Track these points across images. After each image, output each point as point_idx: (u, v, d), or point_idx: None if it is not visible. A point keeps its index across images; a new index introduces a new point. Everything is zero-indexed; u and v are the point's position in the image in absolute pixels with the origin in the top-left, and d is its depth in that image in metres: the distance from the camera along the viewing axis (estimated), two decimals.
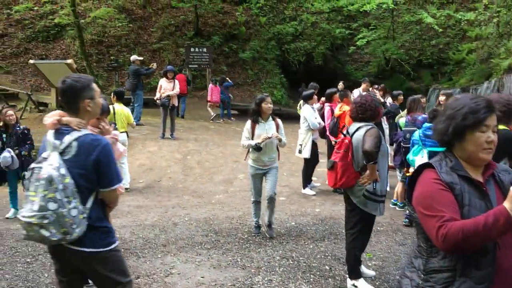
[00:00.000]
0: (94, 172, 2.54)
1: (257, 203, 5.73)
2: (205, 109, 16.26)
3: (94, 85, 2.71)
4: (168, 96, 11.59)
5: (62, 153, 2.52)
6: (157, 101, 11.75)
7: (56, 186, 2.40)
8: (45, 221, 2.38)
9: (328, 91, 8.45)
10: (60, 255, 2.65)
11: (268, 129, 5.54)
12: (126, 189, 8.60)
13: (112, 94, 8.76)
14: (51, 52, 20.62)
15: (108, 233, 2.70)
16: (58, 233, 2.41)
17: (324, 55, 21.67)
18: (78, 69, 13.18)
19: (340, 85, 11.84)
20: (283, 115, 16.81)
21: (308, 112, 7.68)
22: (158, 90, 11.80)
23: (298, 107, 9.12)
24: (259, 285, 4.15)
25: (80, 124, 2.61)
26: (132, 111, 13.01)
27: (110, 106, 8.34)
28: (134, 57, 13.40)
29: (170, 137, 11.66)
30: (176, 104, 11.90)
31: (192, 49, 18.52)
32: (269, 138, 5.42)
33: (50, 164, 2.44)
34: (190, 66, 18.36)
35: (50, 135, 2.60)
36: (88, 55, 18.78)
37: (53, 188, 2.39)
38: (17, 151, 6.84)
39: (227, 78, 16.03)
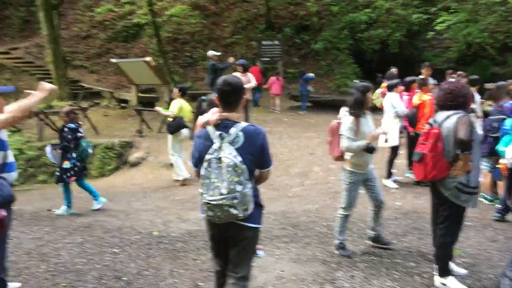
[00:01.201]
0: (259, 156, 2.97)
1: (347, 217, 4.83)
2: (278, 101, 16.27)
3: None
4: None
5: (231, 143, 2.88)
6: None
7: (240, 171, 2.82)
8: (235, 201, 2.81)
9: (407, 79, 8.10)
10: (221, 231, 3.04)
11: (370, 124, 4.73)
12: (177, 180, 9.06)
13: (176, 89, 9.11)
14: (131, 51, 21.56)
15: (262, 210, 3.14)
16: (242, 210, 2.86)
17: (400, 42, 20.82)
18: (156, 67, 13.64)
19: (393, 71, 10.34)
20: None
21: (395, 99, 7.42)
22: None
23: (374, 97, 8.80)
24: (341, 281, 4.06)
25: (239, 117, 3.03)
26: None
27: (176, 101, 8.87)
28: (210, 53, 13.62)
29: None
30: (250, 98, 11.93)
31: (264, 42, 18.55)
32: (384, 133, 4.96)
33: (230, 153, 2.84)
34: (262, 59, 18.41)
35: (211, 129, 2.99)
36: (165, 53, 19.41)
37: (238, 173, 2.81)
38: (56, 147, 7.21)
39: (310, 74, 15.94)
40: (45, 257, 5.07)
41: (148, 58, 13.44)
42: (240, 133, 2.93)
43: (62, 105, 15.62)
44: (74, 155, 7.08)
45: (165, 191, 8.42)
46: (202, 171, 2.91)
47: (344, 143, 4.57)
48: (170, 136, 8.99)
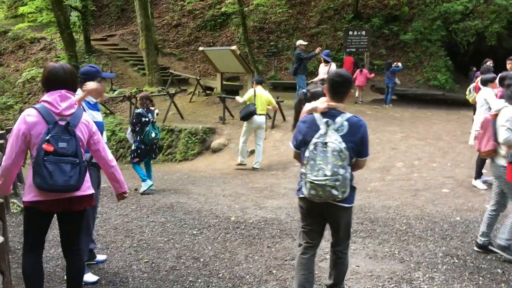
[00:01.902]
0: (359, 145, 3.22)
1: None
2: (361, 94, 15.89)
3: None
4: (322, 79, 11.62)
5: (336, 130, 3.14)
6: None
7: (344, 156, 3.07)
8: (337, 183, 3.06)
9: (502, 74, 7.52)
10: (317, 209, 3.32)
11: None
12: (255, 168, 9.18)
13: (252, 82, 9.70)
14: (218, 40, 22.08)
15: (355, 192, 3.38)
16: (341, 192, 3.10)
17: (499, 34, 19.39)
18: (240, 55, 13.86)
19: (489, 64, 9.43)
20: (448, 100, 15.64)
21: (490, 95, 6.94)
22: (318, 73, 12.18)
23: (467, 92, 8.28)
24: (419, 282, 3.90)
25: (344, 108, 3.27)
26: None
27: (251, 90, 9.29)
28: (299, 42, 13.60)
29: None
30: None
31: (350, 32, 18.15)
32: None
33: (336, 139, 3.09)
34: (348, 49, 18.02)
35: (318, 116, 3.24)
36: (250, 42, 19.66)
37: (342, 158, 3.07)
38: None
39: (399, 63, 15.38)
40: (130, 233, 5.38)
41: (233, 47, 13.68)
42: (345, 123, 3.17)
43: (152, 90, 16.43)
44: (138, 138, 7.51)
45: (244, 178, 8.57)
46: (307, 153, 3.17)
47: (505, 135, 4.27)
48: (244, 123, 9.36)
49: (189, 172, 9.87)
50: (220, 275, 4.17)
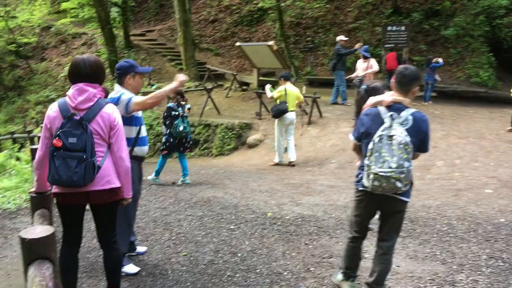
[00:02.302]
0: (422, 140, 3.27)
1: None
2: None
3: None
4: (361, 76, 11.51)
5: (401, 124, 3.20)
6: (354, 80, 11.76)
7: (409, 149, 3.14)
8: (402, 176, 3.13)
9: None
10: (378, 203, 3.41)
11: None
12: (292, 163, 9.15)
13: (280, 78, 9.49)
14: (254, 35, 22.08)
15: (412, 187, 3.40)
16: (404, 185, 3.17)
17: None
18: (277, 51, 13.81)
19: None
20: (490, 98, 15.14)
21: None
22: (355, 69, 11.92)
23: (511, 90, 7.99)
24: (462, 284, 3.79)
25: (409, 103, 3.32)
26: (338, 92, 13.23)
27: (282, 87, 9.18)
28: (339, 37, 13.48)
29: None
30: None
31: (389, 28, 17.75)
32: None
33: (402, 133, 3.15)
34: (386, 45, 17.67)
35: (383, 109, 3.30)
36: (286, 37, 19.56)
37: (407, 151, 3.14)
38: None
39: (439, 59, 14.98)
40: (168, 226, 5.46)
41: (270, 42, 13.64)
42: (410, 117, 3.24)
43: (188, 85, 16.58)
44: (168, 131, 7.75)
45: (280, 174, 8.55)
46: (370, 145, 3.24)
47: None
48: (276, 121, 9.31)
49: (225, 167, 9.93)
50: (258, 270, 4.18)
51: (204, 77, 17.20)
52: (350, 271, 3.69)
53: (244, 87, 16.17)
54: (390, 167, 3.12)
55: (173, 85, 4.07)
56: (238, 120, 12.17)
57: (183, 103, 7.76)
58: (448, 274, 3.98)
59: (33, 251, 2.02)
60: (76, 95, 3.07)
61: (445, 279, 3.89)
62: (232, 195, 6.95)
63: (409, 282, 3.87)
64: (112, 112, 3.16)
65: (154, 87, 17.06)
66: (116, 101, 3.90)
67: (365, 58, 11.91)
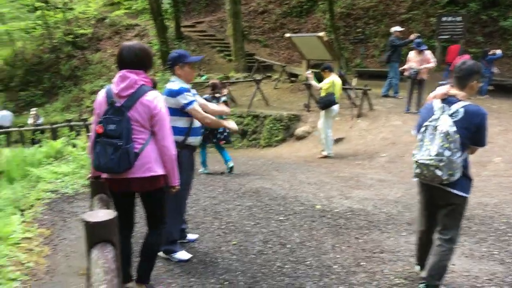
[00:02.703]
0: (474, 133, 3.25)
1: None
2: None
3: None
4: (417, 68, 10.93)
5: (450, 116, 3.25)
6: (405, 73, 11.22)
7: (451, 139, 3.18)
8: (441, 164, 3.19)
9: None
10: (429, 194, 3.52)
11: None
12: (328, 156, 9.23)
13: (324, 69, 9.27)
14: (303, 26, 21.89)
15: (470, 182, 3.41)
16: (446, 174, 3.22)
17: None
18: (327, 42, 13.62)
19: None
20: None
21: None
22: (407, 62, 11.24)
23: None
24: None
25: (464, 96, 3.32)
26: (390, 84, 12.92)
27: (329, 78, 9.05)
28: (394, 28, 13.14)
29: (415, 112, 11.05)
30: (425, 78, 11.13)
31: (444, 18, 17.14)
32: None
33: (446, 123, 3.21)
34: (440, 37, 17.09)
35: (437, 102, 3.38)
36: (336, 28, 19.25)
37: (449, 140, 3.18)
38: None
39: (496, 51, 14.34)
40: (218, 215, 5.53)
41: (321, 34, 13.46)
42: (461, 110, 3.24)
43: (237, 76, 16.69)
44: None
45: (329, 167, 8.47)
46: (419, 136, 3.41)
47: None
48: (322, 112, 9.16)
49: (273, 158, 9.94)
50: (308, 262, 4.17)
51: (253, 68, 17.24)
52: (425, 263, 3.67)
53: (293, 79, 16.08)
54: (430, 155, 3.22)
55: (229, 125, 4.60)
56: (287, 112, 12.13)
57: (217, 95, 7.78)
58: (507, 275, 3.82)
59: (96, 234, 2.09)
60: (119, 82, 3.10)
61: (504, 279, 3.74)
62: (280, 187, 6.95)
63: (465, 281, 3.74)
64: (153, 99, 3.10)
65: (203, 77, 17.28)
66: (175, 94, 3.99)
67: (420, 50, 11.16)
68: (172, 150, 3.19)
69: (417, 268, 3.87)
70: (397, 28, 13.10)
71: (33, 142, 16.50)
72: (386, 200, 6.12)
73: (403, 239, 4.72)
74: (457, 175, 3.24)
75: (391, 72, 12.83)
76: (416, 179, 3.54)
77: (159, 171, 3.16)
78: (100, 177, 3.26)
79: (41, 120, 18.57)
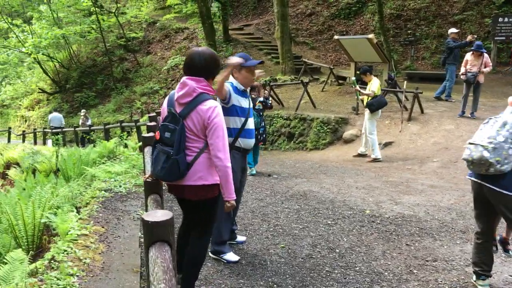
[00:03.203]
0: None
1: None
2: (510, 87, 14.42)
3: None
4: (475, 72, 10.44)
5: None
6: (462, 76, 10.78)
7: (508, 127, 3.30)
8: (490, 146, 3.27)
9: None
10: (476, 189, 3.60)
11: None
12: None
13: (365, 72, 9.20)
14: (351, 28, 21.62)
15: None
16: (494, 159, 3.26)
17: None
18: (377, 44, 13.39)
19: None
20: None
21: None
22: (463, 65, 10.77)
23: None
24: None
25: None
26: (445, 87, 12.58)
27: (376, 80, 8.94)
28: (451, 30, 12.81)
29: (470, 116, 10.68)
30: (482, 81, 10.68)
31: (500, 19, 16.50)
32: None
33: (509, 116, 3.36)
34: (496, 38, 16.45)
35: None
36: (386, 30, 18.90)
37: (506, 128, 3.31)
38: None
39: None
40: (266, 217, 5.55)
41: (370, 35, 13.26)
42: None
43: (285, 78, 16.69)
44: None
45: (378, 171, 8.31)
46: (480, 126, 3.56)
47: None
48: (367, 115, 9.07)
49: (320, 161, 9.87)
50: (357, 268, 4.11)
51: (301, 71, 17.19)
52: (479, 269, 3.66)
53: (341, 81, 15.92)
54: (482, 137, 3.36)
55: (229, 65, 3.96)
56: (334, 115, 12.01)
57: (253, 96, 7.78)
58: None
59: (154, 233, 2.15)
60: (179, 89, 3.09)
61: None
62: (328, 190, 6.89)
63: None
64: (208, 109, 3.00)
65: None
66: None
67: (480, 53, 10.50)
68: (226, 163, 3.05)
69: (474, 277, 3.76)
70: (453, 30, 12.73)
71: (82, 142, 17.19)
72: (439, 206, 5.95)
73: (457, 247, 4.57)
74: (506, 167, 3.25)
75: (447, 75, 12.48)
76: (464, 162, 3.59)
77: (210, 180, 3.09)
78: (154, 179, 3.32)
79: (89, 121, 19.32)
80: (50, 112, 20.73)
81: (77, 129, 17.59)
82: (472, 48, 10.63)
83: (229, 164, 3.07)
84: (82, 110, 20.06)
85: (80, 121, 19.41)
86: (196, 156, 3.05)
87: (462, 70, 10.73)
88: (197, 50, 3.16)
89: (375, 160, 9.12)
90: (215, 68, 3.18)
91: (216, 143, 3.03)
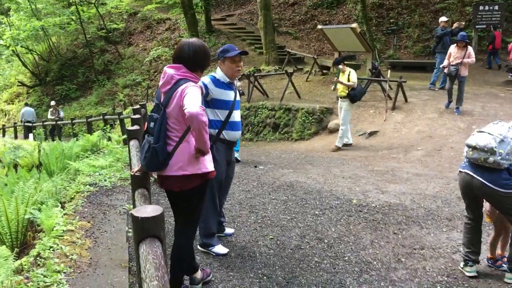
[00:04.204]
0: None
1: None
2: (491, 75, 14.61)
3: None
4: (457, 64, 10.08)
5: None
6: (444, 70, 10.57)
7: None
8: (499, 137, 3.41)
9: None
10: (468, 186, 3.64)
11: None
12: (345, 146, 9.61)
13: (340, 63, 9.40)
14: (334, 18, 21.63)
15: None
16: (497, 149, 3.37)
17: None
18: (360, 33, 13.41)
19: None
20: None
21: None
22: (447, 57, 10.45)
23: None
24: None
25: None
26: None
27: (352, 71, 9.13)
28: (441, 19, 12.88)
29: (455, 111, 10.38)
30: (465, 74, 10.36)
31: (481, 7, 16.64)
32: None
33: None
34: (477, 26, 16.60)
35: None
36: (368, 19, 18.95)
37: None
38: None
39: None
40: (254, 209, 5.53)
41: (354, 25, 13.28)
42: None
43: (268, 69, 16.64)
44: None
45: (363, 160, 8.36)
46: (490, 124, 3.65)
47: None
48: (346, 106, 9.26)
49: (306, 151, 9.88)
50: (346, 258, 4.13)
51: (284, 61, 17.14)
52: (467, 250, 3.75)
53: (325, 71, 15.92)
54: (492, 129, 3.51)
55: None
56: (319, 105, 12.02)
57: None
58: None
59: (144, 229, 2.11)
60: (162, 78, 3.12)
61: None
62: (314, 180, 6.90)
63: None
64: (183, 90, 2.97)
65: None
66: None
67: (465, 44, 10.07)
68: (200, 116, 2.78)
69: (461, 264, 3.83)
70: (444, 18, 12.81)
71: (52, 136, 16.83)
72: (424, 194, 6.00)
73: (444, 235, 4.62)
74: (504, 162, 3.36)
75: (437, 63, 12.59)
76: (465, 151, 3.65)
77: (190, 170, 3.07)
78: (142, 172, 3.27)
79: (61, 114, 18.77)
80: (26, 105, 20.20)
81: (45, 123, 17.18)
82: (457, 38, 10.33)
83: (200, 114, 2.79)
84: (52, 102, 19.36)
85: (49, 114, 18.56)
86: (176, 145, 3.05)
87: (445, 63, 10.50)
88: (188, 40, 3.17)
89: (339, 148, 9.54)
90: (204, 60, 3.17)
91: (188, 100, 2.87)
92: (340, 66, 9.26)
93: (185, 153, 3.06)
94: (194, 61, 3.10)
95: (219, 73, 4.12)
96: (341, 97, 9.31)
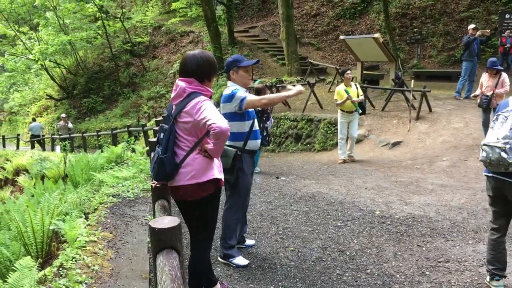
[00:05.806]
0: None
1: None
2: None
3: None
4: (489, 95, 8.45)
5: None
6: (478, 101, 8.85)
7: None
8: (507, 146, 3.27)
9: None
10: (497, 185, 3.51)
11: None
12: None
13: (346, 73, 9.52)
14: (356, 28, 21.55)
15: None
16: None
17: None
18: (383, 43, 13.32)
19: None
20: None
21: None
22: (479, 86, 8.76)
23: None
24: None
25: None
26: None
27: (353, 85, 9.18)
28: (470, 26, 12.71)
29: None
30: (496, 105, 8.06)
31: (507, 16, 16.36)
32: None
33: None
34: (503, 34, 16.28)
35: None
36: (392, 29, 18.81)
37: None
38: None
39: None
40: (275, 220, 5.51)
41: (376, 35, 13.19)
42: None
43: (290, 79, 16.65)
44: None
45: (386, 171, 8.25)
46: (490, 124, 3.54)
47: None
48: (357, 118, 9.53)
49: (328, 162, 9.82)
50: (368, 271, 4.06)
51: (307, 71, 17.13)
52: (492, 267, 3.62)
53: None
54: (497, 138, 3.34)
55: (290, 92, 4.07)
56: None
57: None
58: None
59: (161, 240, 2.12)
60: (173, 91, 3.14)
61: None
62: (337, 191, 6.84)
63: None
64: (196, 103, 2.97)
65: (257, 82, 17.34)
66: (229, 98, 4.01)
67: (496, 72, 8.43)
68: (224, 127, 2.84)
69: (487, 278, 3.70)
70: (471, 26, 12.62)
71: (53, 147, 16.99)
72: (450, 206, 5.87)
73: (470, 247, 4.50)
74: None
75: (462, 72, 12.40)
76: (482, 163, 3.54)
77: (204, 178, 3.06)
78: (162, 184, 3.29)
79: (70, 125, 18.82)
80: (33, 121, 20.60)
81: (53, 136, 17.49)
82: (486, 65, 8.63)
83: (228, 130, 2.88)
84: (62, 114, 19.53)
85: (57, 125, 18.34)
86: (185, 156, 3.05)
87: (477, 91, 8.85)
88: (191, 53, 3.17)
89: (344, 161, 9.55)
90: (209, 70, 3.16)
91: (206, 115, 2.90)
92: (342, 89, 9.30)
93: (197, 162, 3.06)
94: (198, 74, 3.11)
95: (235, 85, 4.12)
96: (351, 112, 9.30)
